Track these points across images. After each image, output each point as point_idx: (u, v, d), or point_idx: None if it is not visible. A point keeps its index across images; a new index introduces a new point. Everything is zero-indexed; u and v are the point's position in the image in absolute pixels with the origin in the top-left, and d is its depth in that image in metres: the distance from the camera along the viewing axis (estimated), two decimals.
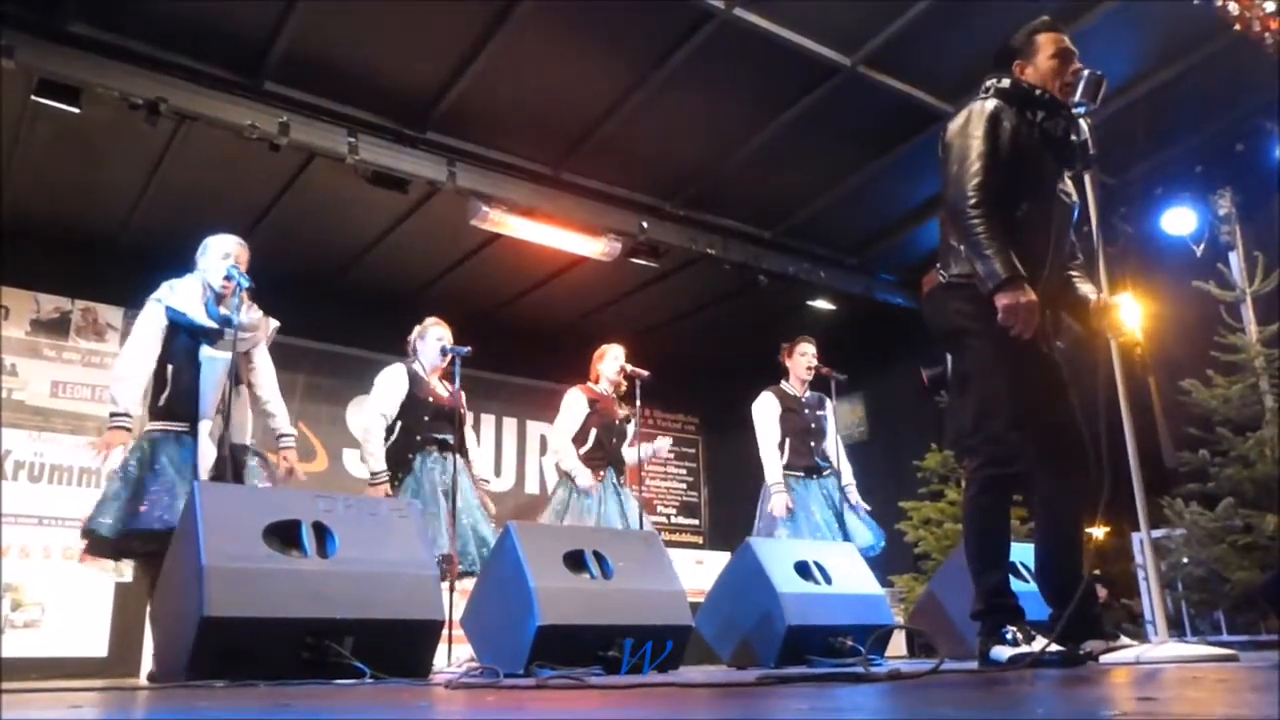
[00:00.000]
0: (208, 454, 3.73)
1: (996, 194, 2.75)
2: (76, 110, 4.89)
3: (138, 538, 3.60)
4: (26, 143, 5.61)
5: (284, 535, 3.03)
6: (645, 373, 5.39)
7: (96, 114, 5.07)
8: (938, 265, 2.94)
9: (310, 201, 6.33)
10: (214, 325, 3.91)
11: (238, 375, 3.90)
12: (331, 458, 7.77)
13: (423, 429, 4.74)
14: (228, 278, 3.92)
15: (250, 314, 4.03)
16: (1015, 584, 2.86)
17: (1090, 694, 1.48)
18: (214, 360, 3.87)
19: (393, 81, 5.44)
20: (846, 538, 5.21)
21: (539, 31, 5.02)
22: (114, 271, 6.71)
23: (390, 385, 4.77)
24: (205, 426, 3.78)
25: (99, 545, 3.65)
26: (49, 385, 6.76)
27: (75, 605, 6.35)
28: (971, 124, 2.83)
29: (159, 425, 3.84)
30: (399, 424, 4.75)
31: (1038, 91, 2.90)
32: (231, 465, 3.72)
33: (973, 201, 2.73)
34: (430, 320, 4.98)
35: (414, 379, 4.81)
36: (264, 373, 4.18)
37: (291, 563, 2.98)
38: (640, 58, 5.32)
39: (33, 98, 4.83)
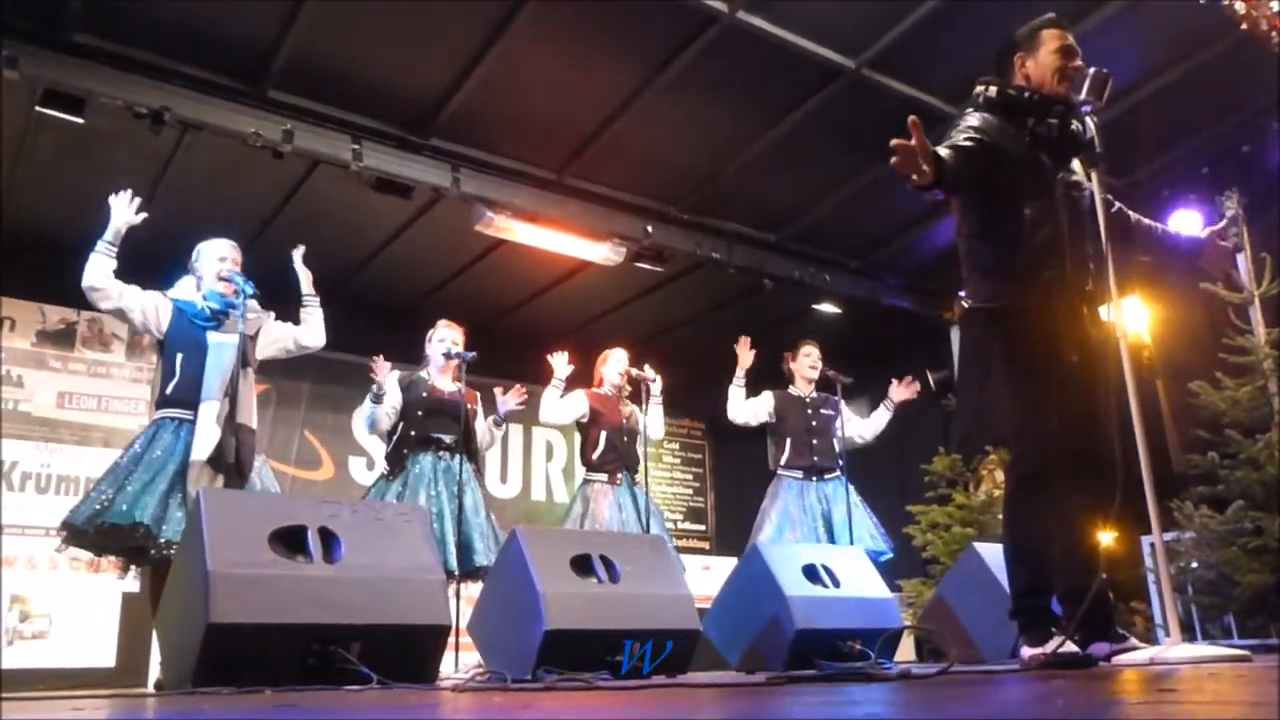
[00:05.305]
0: (210, 435, 3.74)
1: (993, 199, 2.85)
2: (81, 120, 4.89)
3: (110, 533, 3.61)
4: (31, 153, 5.61)
5: (290, 541, 3.02)
6: (652, 377, 5.39)
7: (101, 124, 5.07)
8: (960, 294, 3.03)
9: (314, 209, 6.32)
10: (216, 307, 3.97)
11: (245, 358, 3.91)
12: (337, 465, 7.78)
13: (418, 425, 4.76)
14: (228, 280, 3.95)
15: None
16: None
17: (1108, 690, 1.46)
18: (221, 345, 3.90)
19: (396, 88, 5.44)
20: (849, 541, 5.18)
21: (543, 37, 5.02)
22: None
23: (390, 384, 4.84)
24: (210, 409, 3.80)
25: (75, 535, 3.69)
26: (55, 396, 6.76)
27: (83, 616, 6.34)
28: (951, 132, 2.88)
29: (164, 413, 3.89)
30: (400, 423, 4.79)
31: (1026, 95, 2.90)
32: (236, 446, 3.74)
33: None
34: (440, 322, 5.08)
35: (412, 380, 4.87)
36: (274, 329, 4.22)
37: (297, 568, 2.96)
38: (644, 62, 5.31)
39: (37, 108, 4.83)
